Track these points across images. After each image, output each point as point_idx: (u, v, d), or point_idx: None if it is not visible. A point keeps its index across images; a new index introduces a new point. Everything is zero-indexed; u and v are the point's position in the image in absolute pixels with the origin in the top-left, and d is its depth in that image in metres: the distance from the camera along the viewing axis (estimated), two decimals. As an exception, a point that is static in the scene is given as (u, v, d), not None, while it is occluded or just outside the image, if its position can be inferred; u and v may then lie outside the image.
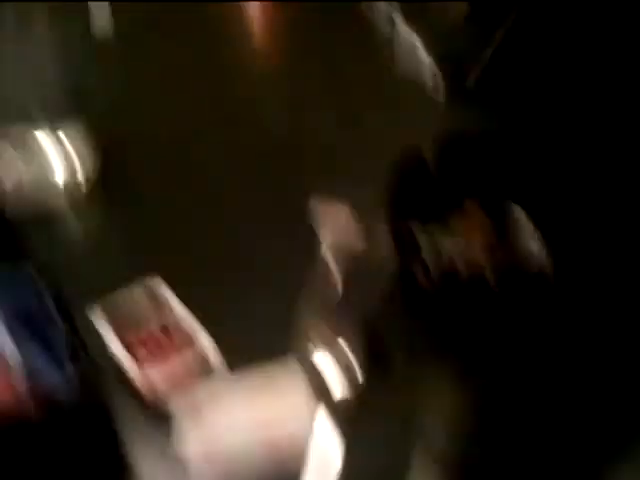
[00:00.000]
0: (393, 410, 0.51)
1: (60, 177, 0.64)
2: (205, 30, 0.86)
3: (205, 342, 0.50)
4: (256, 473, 0.47)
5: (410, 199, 0.60)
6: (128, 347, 0.51)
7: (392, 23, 0.84)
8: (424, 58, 0.80)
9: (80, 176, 0.65)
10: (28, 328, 0.46)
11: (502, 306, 0.54)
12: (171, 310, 0.52)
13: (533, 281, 0.56)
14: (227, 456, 0.47)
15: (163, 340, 0.52)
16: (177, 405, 0.49)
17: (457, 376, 0.53)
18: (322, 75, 0.79)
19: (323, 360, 0.52)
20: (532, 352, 0.54)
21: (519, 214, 0.62)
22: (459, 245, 0.59)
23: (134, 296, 0.53)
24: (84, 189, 0.65)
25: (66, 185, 0.64)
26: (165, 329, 0.53)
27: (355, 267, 0.58)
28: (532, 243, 0.59)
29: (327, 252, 0.58)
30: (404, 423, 0.50)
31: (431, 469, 0.48)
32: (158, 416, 0.49)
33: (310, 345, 0.52)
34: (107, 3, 0.88)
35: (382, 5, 0.86)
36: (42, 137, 0.64)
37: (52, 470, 0.44)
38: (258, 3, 0.95)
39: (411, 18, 0.84)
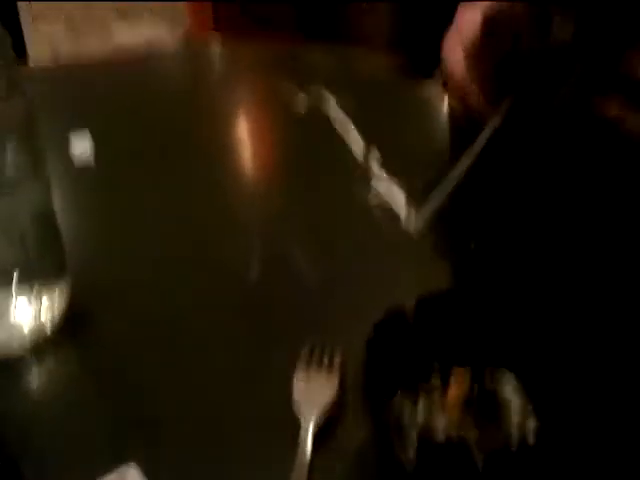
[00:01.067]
0: None
1: (26, 321, 0.65)
2: (190, 167, 0.89)
3: None
4: None
5: (391, 365, 0.58)
6: None
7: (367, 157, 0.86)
8: (397, 191, 0.81)
9: (46, 321, 0.66)
10: None
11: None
12: None
13: (521, 458, 0.52)
14: None
15: None
16: None
17: None
18: (303, 213, 0.82)
19: None
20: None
21: (509, 384, 0.59)
22: (443, 418, 0.56)
23: None
24: (49, 334, 0.66)
25: (31, 330, 0.65)
26: None
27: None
28: (523, 420, 0.56)
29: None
30: None
31: None
32: None
33: None
34: (88, 133, 0.89)
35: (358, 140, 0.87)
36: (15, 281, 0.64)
37: None
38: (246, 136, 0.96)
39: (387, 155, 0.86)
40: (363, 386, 0.55)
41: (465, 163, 0.69)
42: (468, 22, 0.72)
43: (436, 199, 0.71)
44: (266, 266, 0.76)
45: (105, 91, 1.06)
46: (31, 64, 1.61)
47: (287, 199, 0.84)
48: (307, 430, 0.57)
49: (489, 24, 0.71)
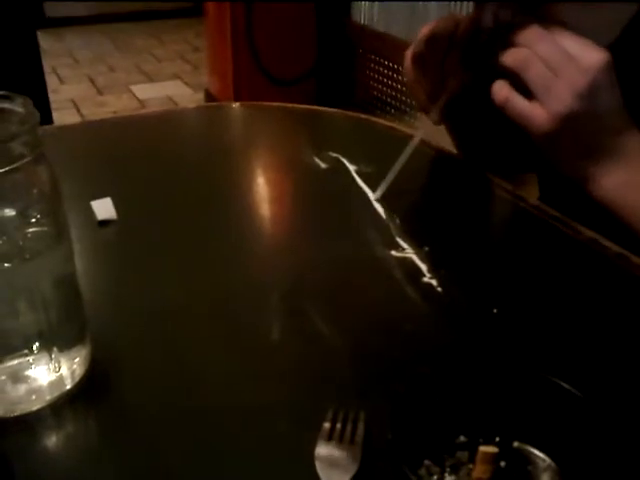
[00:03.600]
0: None
1: (45, 381, 0.65)
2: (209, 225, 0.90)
3: None
4: None
5: (415, 437, 0.57)
6: None
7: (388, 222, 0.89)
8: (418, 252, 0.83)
9: (65, 381, 0.66)
10: None
11: None
12: None
13: None
14: None
15: None
16: None
17: None
18: (325, 270, 0.82)
19: None
20: None
21: (539, 460, 0.59)
22: None
23: None
24: (68, 393, 0.66)
25: (50, 389, 0.65)
26: None
27: None
28: None
29: None
30: None
31: None
32: None
33: None
34: (109, 199, 0.91)
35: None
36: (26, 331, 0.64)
37: None
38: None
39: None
40: (388, 457, 0.54)
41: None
42: (418, 33, 0.89)
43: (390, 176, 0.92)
44: (286, 327, 0.75)
45: (126, 150, 1.07)
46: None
47: (308, 257, 0.84)
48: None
49: (429, 32, 0.87)
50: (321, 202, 0.96)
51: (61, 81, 4.41)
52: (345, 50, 3.69)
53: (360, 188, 0.96)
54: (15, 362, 0.64)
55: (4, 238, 0.61)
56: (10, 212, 0.62)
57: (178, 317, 0.75)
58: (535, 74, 0.75)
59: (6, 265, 0.62)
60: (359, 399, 0.64)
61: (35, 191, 0.63)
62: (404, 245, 0.84)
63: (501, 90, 0.79)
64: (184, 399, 0.65)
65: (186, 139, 1.17)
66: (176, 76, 4.53)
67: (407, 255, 0.83)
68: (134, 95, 4.22)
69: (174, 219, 0.91)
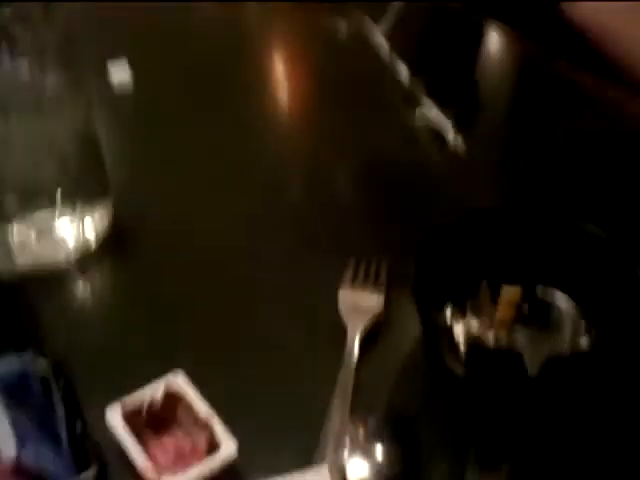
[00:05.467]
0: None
1: (70, 237, 0.65)
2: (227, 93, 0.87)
3: (228, 445, 0.48)
4: None
5: (439, 279, 0.56)
6: (143, 440, 0.49)
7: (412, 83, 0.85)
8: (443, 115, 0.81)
9: (90, 237, 0.66)
10: (30, 411, 0.44)
11: (538, 391, 0.50)
12: (192, 409, 0.50)
13: (574, 368, 0.50)
14: None
15: (184, 442, 0.50)
16: None
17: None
18: (348, 134, 0.80)
19: (355, 466, 0.48)
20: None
21: (562, 301, 0.58)
22: (492, 333, 0.55)
23: (153, 392, 0.51)
24: (93, 249, 0.66)
25: (75, 246, 0.65)
26: (187, 432, 0.50)
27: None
28: (576, 333, 0.56)
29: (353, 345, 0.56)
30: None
31: None
32: None
33: (341, 449, 0.49)
34: (126, 62, 0.89)
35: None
36: (52, 193, 0.64)
37: None
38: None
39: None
40: (411, 296, 0.54)
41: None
42: None
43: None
44: (311, 187, 0.75)
45: (145, 23, 1.04)
46: None
47: (332, 122, 0.82)
48: (353, 338, 0.56)
49: None
50: (346, 66, 0.92)
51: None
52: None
53: (385, 51, 0.93)
54: (39, 217, 0.64)
55: (20, 87, 0.61)
56: (24, 61, 0.61)
57: (199, 177, 0.74)
58: None
59: (24, 115, 0.61)
60: (382, 251, 0.64)
61: (50, 44, 0.62)
62: (426, 106, 0.82)
63: None
64: (210, 244, 0.66)
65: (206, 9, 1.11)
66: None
67: (429, 117, 0.81)
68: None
69: (194, 86, 0.89)
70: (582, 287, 0.58)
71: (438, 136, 0.79)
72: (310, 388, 0.53)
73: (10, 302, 0.48)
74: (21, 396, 0.43)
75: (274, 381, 0.54)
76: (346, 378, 0.53)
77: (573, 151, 0.76)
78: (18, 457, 0.38)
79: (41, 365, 0.44)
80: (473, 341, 0.53)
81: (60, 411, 0.42)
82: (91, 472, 0.39)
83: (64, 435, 0.42)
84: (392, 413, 0.52)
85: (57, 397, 0.43)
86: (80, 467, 0.40)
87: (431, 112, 0.82)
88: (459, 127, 0.79)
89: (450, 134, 0.78)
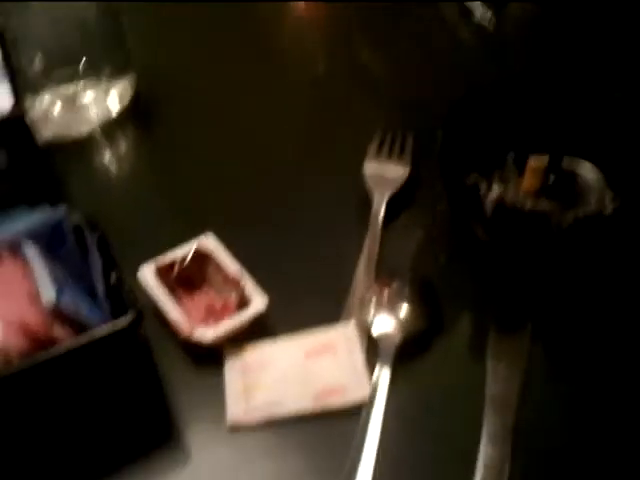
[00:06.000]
0: (453, 373, 0.49)
1: (94, 107, 0.65)
2: None
3: (259, 301, 0.49)
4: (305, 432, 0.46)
5: (466, 149, 0.55)
6: (175, 298, 0.50)
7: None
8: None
9: (114, 106, 0.66)
10: (65, 262, 0.45)
11: (563, 252, 0.51)
12: (223, 268, 0.51)
13: (598, 229, 0.51)
14: (277, 415, 0.47)
15: (215, 300, 0.51)
16: (226, 360, 0.49)
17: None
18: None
19: (380, 323, 0.50)
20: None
21: (588, 170, 0.58)
22: (521, 195, 0.55)
23: (184, 252, 0.52)
24: (116, 118, 0.66)
25: (99, 115, 0.66)
26: (219, 288, 0.52)
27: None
28: (601, 200, 0.55)
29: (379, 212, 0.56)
30: (466, 388, 0.48)
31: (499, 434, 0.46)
32: (205, 375, 0.49)
33: (367, 308, 0.50)
34: None
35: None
36: (82, 69, 0.64)
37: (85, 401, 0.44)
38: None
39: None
40: (437, 163, 0.54)
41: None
42: None
43: None
44: (339, 59, 0.73)
45: None
46: None
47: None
48: (379, 205, 0.56)
49: None
50: None
51: None
52: None
53: None
54: (66, 88, 0.64)
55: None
56: None
57: (222, 50, 0.73)
58: None
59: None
60: (408, 125, 0.64)
61: None
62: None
63: None
64: (233, 123, 0.66)
65: None
66: None
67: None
68: None
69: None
70: (608, 156, 0.58)
71: (467, 12, 0.77)
72: (338, 251, 0.55)
73: (44, 160, 0.48)
74: (57, 247, 0.44)
75: (304, 244, 0.55)
76: (372, 242, 0.54)
77: (601, 27, 0.73)
78: (57, 302, 0.40)
79: (76, 217, 0.45)
80: (499, 203, 0.53)
81: (96, 260, 0.43)
82: (128, 318, 0.40)
83: (100, 284, 0.43)
84: (416, 276, 0.53)
85: (93, 247, 0.43)
86: (116, 315, 0.41)
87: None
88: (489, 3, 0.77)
89: (479, 10, 0.76)
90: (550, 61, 0.70)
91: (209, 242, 0.52)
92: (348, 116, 0.66)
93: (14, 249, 0.43)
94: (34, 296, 0.41)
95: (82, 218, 0.44)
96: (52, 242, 0.44)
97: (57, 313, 0.40)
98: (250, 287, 0.50)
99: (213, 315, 0.50)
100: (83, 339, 0.40)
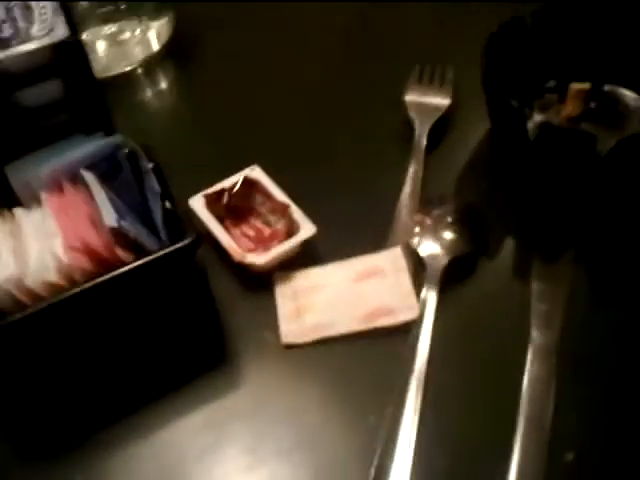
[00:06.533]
0: (499, 294, 0.50)
1: (136, 44, 0.67)
2: None
3: (307, 228, 0.50)
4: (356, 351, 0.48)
5: (508, 75, 0.55)
6: (225, 226, 0.52)
7: None
8: None
9: (154, 43, 0.67)
10: (121, 188, 0.46)
11: (608, 171, 0.51)
12: (271, 197, 0.52)
13: None
14: (328, 335, 0.48)
15: (263, 228, 0.53)
16: (277, 285, 0.50)
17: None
18: None
19: (426, 246, 0.51)
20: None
21: (629, 96, 0.58)
22: (563, 120, 0.56)
23: (233, 181, 0.53)
24: (157, 55, 0.67)
25: (141, 53, 0.67)
26: (265, 214, 0.53)
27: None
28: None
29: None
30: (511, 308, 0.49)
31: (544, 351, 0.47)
32: (258, 298, 0.50)
33: (412, 233, 0.52)
34: None
35: None
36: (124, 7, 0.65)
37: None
38: None
39: None
40: (482, 85, 0.54)
41: None
42: None
43: None
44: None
45: None
46: None
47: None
48: (422, 133, 0.57)
49: None
50: None
51: None
52: None
53: None
54: (107, 27, 0.65)
55: None
56: None
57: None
58: None
59: None
60: (448, 58, 0.63)
61: None
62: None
63: None
64: (268, 65, 0.66)
65: None
66: None
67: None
68: None
69: None
70: None
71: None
72: (383, 180, 0.55)
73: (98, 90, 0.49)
74: (114, 174, 0.45)
75: (349, 175, 0.56)
76: (416, 169, 0.55)
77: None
78: (119, 224, 0.41)
79: (131, 145, 0.46)
80: (543, 125, 0.54)
81: (152, 187, 0.44)
82: (186, 240, 0.42)
83: (158, 210, 0.44)
84: (460, 201, 0.54)
85: (149, 174, 0.45)
86: (173, 240, 0.43)
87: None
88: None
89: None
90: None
91: (256, 173, 0.53)
92: (387, 52, 0.66)
93: (73, 177, 0.44)
94: (96, 220, 0.42)
95: (137, 146, 0.45)
96: (109, 169, 0.45)
97: (118, 235, 0.42)
98: (298, 215, 0.51)
99: (262, 243, 0.51)
100: (145, 260, 0.41)
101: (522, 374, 0.46)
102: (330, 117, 0.61)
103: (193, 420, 0.45)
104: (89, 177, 0.44)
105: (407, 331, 0.47)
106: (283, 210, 0.51)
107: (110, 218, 0.41)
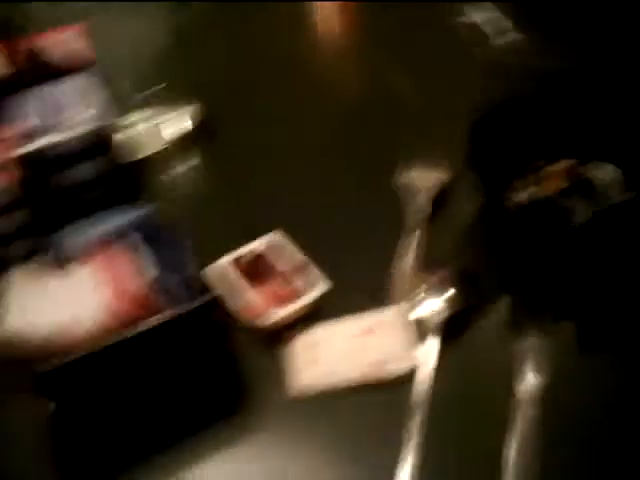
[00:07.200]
0: (492, 347, 0.56)
1: (168, 128, 0.74)
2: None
3: (323, 284, 0.57)
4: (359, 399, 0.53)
5: (493, 156, 0.63)
6: (247, 286, 0.58)
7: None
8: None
9: (186, 128, 0.74)
10: (161, 247, 0.53)
11: (585, 240, 0.57)
12: (292, 259, 0.59)
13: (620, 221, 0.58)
14: (334, 384, 0.54)
15: (285, 285, 0.58)
16: (291, 341, 0.56)
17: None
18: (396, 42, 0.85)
19: (424, 306, 0.57)
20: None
21: (607, 169, 0.63)
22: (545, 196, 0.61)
23: (256, 245, 0.60)
24: (190, 139, 0.74)
25: (173, 135, 0.74)
26: (286, 276, 0.59)
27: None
28: (618, 193, 0.60)
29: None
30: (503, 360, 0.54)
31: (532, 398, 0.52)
32: (273, 350, 0.56)
33: (413, 293, 0.58)
34: None
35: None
36: (156, 95, 0.74)
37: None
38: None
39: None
40: (471, 167, 0.61)
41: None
42: None
43: None
44: (365, 85, 0.82)
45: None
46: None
47: (383, 26, 0.88)
48: (421, 204, 0.64)
49: None
50: None
51: None
52: None
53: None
54: (145, 111, 0.74)
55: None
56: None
57: (278, 86, 0.82)
58: None
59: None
60: (436, 138, 0.71)
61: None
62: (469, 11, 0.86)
63: None
64: (287, 138, 0.74)
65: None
66: None
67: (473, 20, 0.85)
68: None
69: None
70: (626, 158, 0.63)
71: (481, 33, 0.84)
72: (388, 242, 0.62)
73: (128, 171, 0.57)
74: (151, 238, 0.52)
75: (358, 236, 0.64)
76: (415, 236, 0.62)
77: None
78: (158, 278, 0.48)
79: (162, 215, 0.53)
80: (526, 202, 0.60)
81: (181, 251, 0.51)
82: (207, 297, 0.48)
83: (185, 272, 0.51)
84: (457, 264, 0.60)
85: (178, 240, 0.52)
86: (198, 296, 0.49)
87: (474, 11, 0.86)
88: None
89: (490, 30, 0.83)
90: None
91: (278, 237, 0.60)
92: (387, 132, 0.75)
93: (120, 238, 0.51)
94: (139, 273, 0.49)
95: (169, 217, 0.53)
96: (147, 234, 0.53)
97: (157, 287, 0.48)
98: (315, 272, 0.58)
99: (279, 300, 0.58)
100: (178, 310, 0.48)
101: (512, 424, 0.50)
102: (337, 190, 0.69)
103: (211, 462, 0.50)
104: (134, 237, 0.51)
105: (408, 381, 0.53)
106: (302, 268, 0.58)
107: (151, 271, 0.48)
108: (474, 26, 0.85)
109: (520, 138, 0.66)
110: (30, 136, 0.56)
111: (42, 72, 0.62)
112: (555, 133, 0.66)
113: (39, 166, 0.56)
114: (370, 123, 0.76)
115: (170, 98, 0.74)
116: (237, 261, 0.59)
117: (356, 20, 0.92)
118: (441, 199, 0.66)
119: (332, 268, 0.58)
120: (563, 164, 0.64)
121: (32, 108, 0.59)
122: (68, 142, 0.57)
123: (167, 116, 0.74)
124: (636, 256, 0.57)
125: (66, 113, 0.58)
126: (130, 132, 0.72)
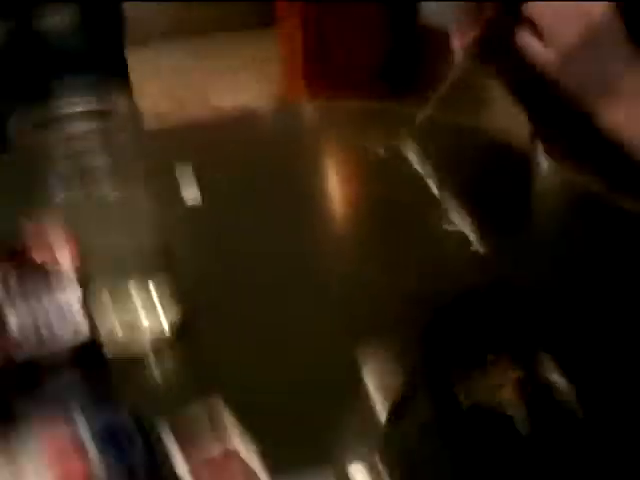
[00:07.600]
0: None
1: (146, 324, 0.77)
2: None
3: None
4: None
5: (447, 348, 0.68)
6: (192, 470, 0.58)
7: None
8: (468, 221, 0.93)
9: (164, 324, 0.77)
10: (111, 442, 0.57)
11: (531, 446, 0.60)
12: (231, 436, 0.60)
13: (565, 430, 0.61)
14: None
15: (224, 467, 0.59)
16: None
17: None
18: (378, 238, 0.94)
19: None
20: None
21: (550, 366, 0.67)
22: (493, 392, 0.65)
23: (198, 416, 0.62)
24: (167, 336, 0.77)
25: (151, 331, 0.77)
26: (226, 455, 0.60)
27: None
28: (567, 399, 0.64)
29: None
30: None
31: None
32: None
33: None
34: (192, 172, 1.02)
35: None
36: (133, 288, 0.77)
37: None
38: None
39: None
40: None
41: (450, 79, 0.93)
42: None
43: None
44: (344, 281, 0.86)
45: (204, 148, 1.18)
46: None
47: (368, 229, 0.97)
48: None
49: None
50: (385, 183, 1.04)
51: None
52: (415, 51, 3.76)
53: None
54: (125, 313, 0.78)
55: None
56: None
57: (252, 281, 0.86)
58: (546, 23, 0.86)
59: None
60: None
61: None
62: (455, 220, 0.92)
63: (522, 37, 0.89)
64: (258, 336, 0.78)
65: (263, 133, 1.23)
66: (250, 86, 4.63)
67: (458, 229, 0.91)
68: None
69: (253, 204, 1.02)
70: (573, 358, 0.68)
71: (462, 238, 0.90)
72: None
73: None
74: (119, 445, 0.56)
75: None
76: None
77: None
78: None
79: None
80: (473, 404, 0.64)
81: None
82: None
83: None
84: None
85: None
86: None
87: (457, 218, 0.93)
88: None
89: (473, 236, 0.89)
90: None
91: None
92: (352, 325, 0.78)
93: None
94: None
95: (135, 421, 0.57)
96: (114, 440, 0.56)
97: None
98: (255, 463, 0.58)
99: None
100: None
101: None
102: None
103: None
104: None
105: None
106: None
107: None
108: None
109: (468, 335, 0.71)
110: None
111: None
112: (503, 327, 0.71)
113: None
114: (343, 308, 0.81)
115: (146, 298, 0.78)
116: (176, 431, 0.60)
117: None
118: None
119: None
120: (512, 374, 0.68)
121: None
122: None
123: (142, 318, 0.78)
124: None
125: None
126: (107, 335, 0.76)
